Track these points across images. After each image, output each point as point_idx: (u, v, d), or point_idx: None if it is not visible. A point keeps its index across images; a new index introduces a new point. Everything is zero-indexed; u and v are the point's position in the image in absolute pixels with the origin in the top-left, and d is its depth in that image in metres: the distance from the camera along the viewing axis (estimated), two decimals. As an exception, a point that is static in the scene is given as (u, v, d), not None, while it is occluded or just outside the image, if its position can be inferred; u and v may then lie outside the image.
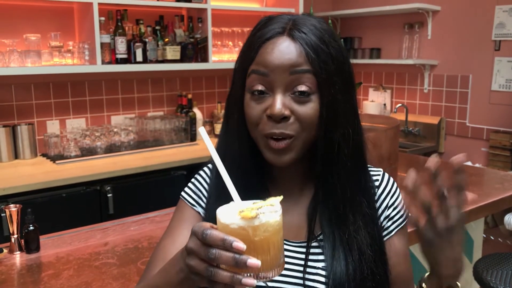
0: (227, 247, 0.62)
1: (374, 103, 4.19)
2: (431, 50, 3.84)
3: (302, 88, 0.80)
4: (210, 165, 1.00)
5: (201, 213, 0.95)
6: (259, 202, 0.68)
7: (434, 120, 3.79)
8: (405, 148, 3.65)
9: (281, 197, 0.69)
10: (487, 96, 3.53)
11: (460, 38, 3.64)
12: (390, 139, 2.36)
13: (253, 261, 0.62)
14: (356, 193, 0.87)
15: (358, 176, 0.88)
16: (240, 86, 0.86)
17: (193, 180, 1.00)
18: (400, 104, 3.93)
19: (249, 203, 0.69)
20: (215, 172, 0.95)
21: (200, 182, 0.99)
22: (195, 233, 0.66)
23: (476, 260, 2.14)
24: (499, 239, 3.38)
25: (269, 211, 0.66)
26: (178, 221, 0.96)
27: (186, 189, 0.99)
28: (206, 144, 0.74)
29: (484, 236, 2.77)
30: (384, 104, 4.17)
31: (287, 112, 0.80)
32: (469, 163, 3.43)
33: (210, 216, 0.90)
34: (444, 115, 3.80)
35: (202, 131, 0.75)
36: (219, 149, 0.91)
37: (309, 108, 0.81)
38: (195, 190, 0.98)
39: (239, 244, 0.62)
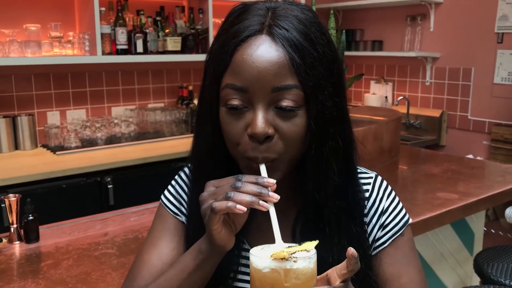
0: (260, 183, 0.68)
1: (375, 95, 4.18)
2: (433, 43, 3.81)
3: (287, 103, 0.70)
4: (188, 167, 0.93)
5: (184, 221, 0.89)
6: (294, 246, 0.65)
7: (436, 113, 3.78)
8: (407, 141, 3.64)
9: (316, 242, 0.65)
10: (489, 89, 3.51)
11: (462, 30, 3.62)
12: (391, 132, 2.35)
13: (276, 195, 0.68)
14: (344, 210, 0.79)
15: (346, 191, 0.79)
16: (213, 96, 0.75)
17: (173, 183, 0.94)
18: (401, 97, 3.92)
19: (283, 245, 0.67)
20: (195, 177, 0.86)
21: (181, 186, 0.92)
22: (213, 184, 0.72)
23: (476, 253, 2.14)
24: (500, 232, 3.38)
25: (302, 256, 0.63)
26: (162, 232, 0.89)
27: (167, 193, 0.93)
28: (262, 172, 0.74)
29: (485, 229, 2.77)
30: (386, 97, 4.15)
31: (270, 131, 0.71)
32: (470, 156, 3.42)
33: (192, 224, 0.85)
34: (446, 108, 3.78)
35: (262, 168, 0.73)
36: (193, 157, 0.85)
37: (295, 125, 0.71)
38: (176, 196, 0.91)
39: (270, 180, 0.69)
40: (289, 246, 0.66)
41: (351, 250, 0.62)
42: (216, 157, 0.79)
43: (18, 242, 1.50)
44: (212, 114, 0.76)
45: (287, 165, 0.75)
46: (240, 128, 0.73)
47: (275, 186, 0.69)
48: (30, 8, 2.90)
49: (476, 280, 2.24)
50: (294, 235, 0.83)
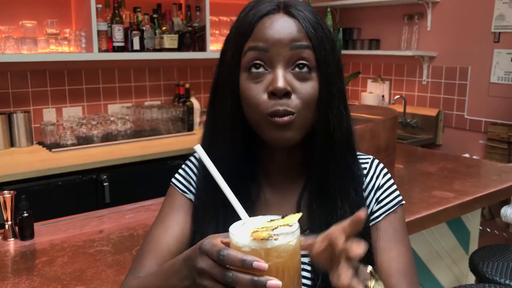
0: (247, 267, 0.58)
1: (372, 94, 4.18)
2: (430, 42, 3.81)
3: (303, 61, 0.79)
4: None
5: (192, 199, 0.94)
6: (276, 220, 0.63)
7: (432, 112, 3.78)
8: (403, 139, 3.64)
9: (299, 215, 0.64)
10: (485, 88, 3.51)
11: (459, 29, 3.62)
12: (388, 130, 2.35)
13: (273, 282, 0.58)
14: (345, 178, 0.86)
15: (348, 161, 0.87)
16: (235, 66, 0.82)
17: (183, 166, 0.99)
18: (398, 96, 3.92)
19: (266, 219, 0.65)
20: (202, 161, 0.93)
21: (191, 168, 0.98)
22: (206, 253, 0.62)
23: (472, 252, 2.14)
24: (495, 231, 3.38)
25: (285, 232, 0.61)
26: (170, 208, 0.94)
27: (177, 175, 0.98)
28: (205, 162, 0.71)
29: (481, 228, 2.78)
30: (383, 96, 4.15)
31: (289, 88, 0.78)
32: (467, 155, 3.42)
33: (200, 203, 0.91)
34: (443, 107, 3.79)
35: (198, 149, 0.72)
36: (205, 138, 0.89)
37: (310, 87, 0.80)
38: (185, 176, 0.97)
39: (261, 264, 0.58)
40: (271, 220, 0.64)
41: (363, 214, 0.62)
42: (234, 123, 0.83)
43: (12, 239, 1.49)
44: (234, 86, 0.82)
45: (302, 124, 0.81)
46: (261, 90, 0.80)
47: (266, 268, 0.59)
48: (26, 5, 2.89)
49: (471, 278, 2.25)
50: (301, 202, 0.89)
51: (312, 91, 0.80)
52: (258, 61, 0.79)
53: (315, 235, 0.67)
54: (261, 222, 0.64)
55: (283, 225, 0.61)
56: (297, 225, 0.63)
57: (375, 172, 0.93)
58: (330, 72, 0.81)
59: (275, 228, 0.61)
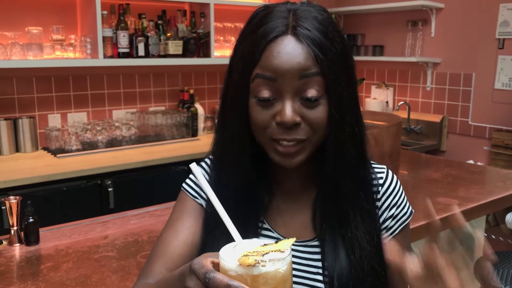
0: None
1: (376, 100, 4.18)
2: (434, 48, 3.82)
3: (312, 93, 0.77)
4: (209, 158, 0.98)
5: (203, 205, 0.93)
6: (269, 245, 0.62)
7: (437, 118, 3.78)
8: (407, 146, 3.64)
9: (293, 240, 0.64)
10: (490, 94, 3.51)
11: (463, 36, 3.62)
12: (392, 136, 2.35)
13: None
14: (356, 188, 0.86)
15: (359, 172, 0.87)
16: (243, 89, 0.81)
17: None
18: (402, 102, 3.92)
19: (260, 242, 0.64)
20: (213, 168, 0.94)
21: (202, 173, 0.97)
22: (194, 272, 0.63)
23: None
24: (500, 238, 3.37)
25: (276, 258, 0.60)
26: (180, 213, 0.94)
27: (188, 180, 0.97)
28: (200, 181, 0.71)
29: (485, 235, 2.76)
30: (387, 102, 4.15)
31: (298, 119, 0.78)
32: (471, 161, 3.42)
33: (211, 215, 0.89)
34: (447, 113, 3.78)
35: (194, 168, 0.72)
36: (216, 151, 0.90)
37: (319, 112, 0.79)
38: (196, 181, 0.96)
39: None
40: (264, 244, 0.63)
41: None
42: (241, 144, 0.83)
43: (18, 244, 1.50)
44: (240, 106, 0.81)
45: (313, 146, 0.82)
46: (269, 116, 0.79)
47: None
48: (32, 11, 2.91)
49: (477, 285, 2.24)
50: (314, 214, 0.89)
51: (322, 115, 0.79)
52: (266, 91, 0.78)
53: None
54: (255, 245, 0.63)
55: (275, 251, 0.60)
56: (288, 251, 0.61)
57: (390, 186, 0.93)
58: (341, 91, 0.80)
59: (266, 253, 0.60)
